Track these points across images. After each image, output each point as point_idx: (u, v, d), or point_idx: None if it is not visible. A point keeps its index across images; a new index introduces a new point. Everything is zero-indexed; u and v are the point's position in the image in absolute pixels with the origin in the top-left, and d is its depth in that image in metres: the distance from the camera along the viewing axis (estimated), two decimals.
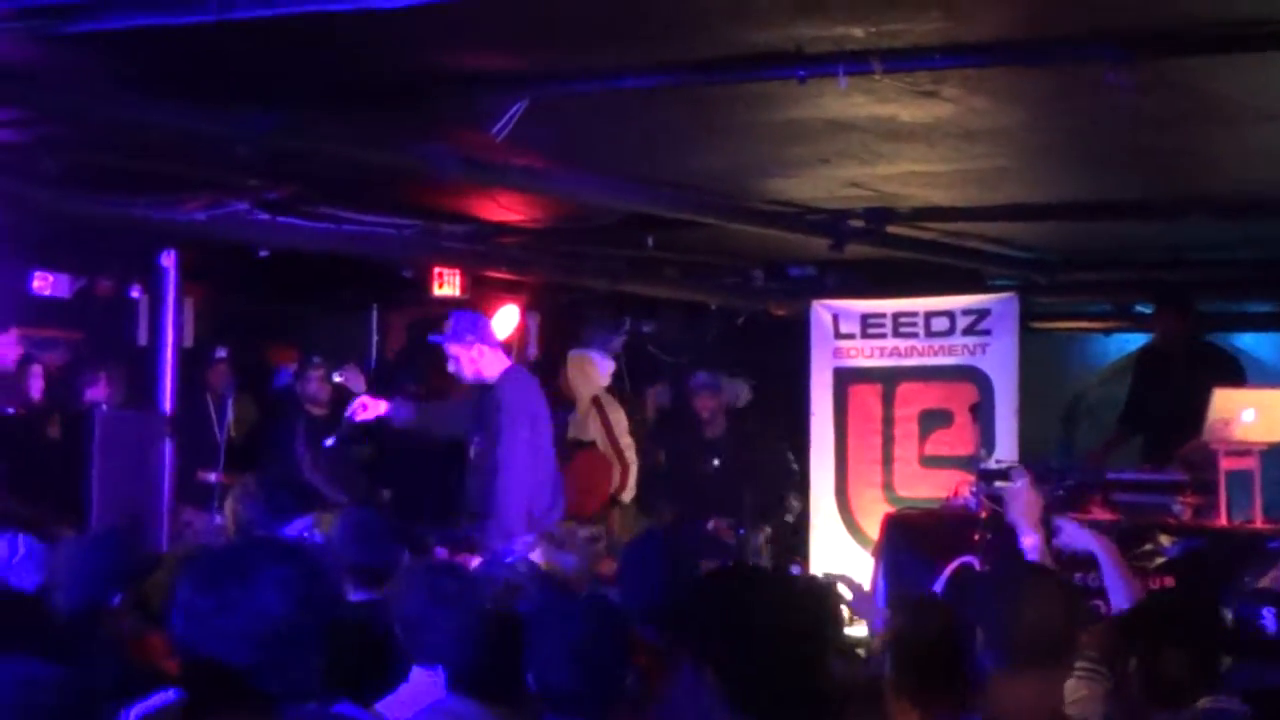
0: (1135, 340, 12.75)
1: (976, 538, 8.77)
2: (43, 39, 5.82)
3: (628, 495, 12.15)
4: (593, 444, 12.13)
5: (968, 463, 9.93)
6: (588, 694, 4.21)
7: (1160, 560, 8.31)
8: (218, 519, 8.78)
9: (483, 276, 11.62)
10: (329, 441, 9.46)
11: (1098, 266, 12.24)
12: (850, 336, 11.86)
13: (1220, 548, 8.31)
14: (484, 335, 8.65)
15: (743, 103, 7.03)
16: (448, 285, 11.36)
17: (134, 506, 8.92)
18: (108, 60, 6.41)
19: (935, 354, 11.60)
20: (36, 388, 9.99)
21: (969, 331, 11.48)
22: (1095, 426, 12.80)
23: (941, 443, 11.33)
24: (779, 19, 5.77)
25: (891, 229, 10.27)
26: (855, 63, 6.09)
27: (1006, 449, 10.68)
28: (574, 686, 4.20)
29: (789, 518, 12.16)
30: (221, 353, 11.49)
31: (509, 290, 12.31)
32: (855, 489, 11.70)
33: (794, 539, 11.89)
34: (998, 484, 8.45)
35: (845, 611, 7.06)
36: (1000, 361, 11.33)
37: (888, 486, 11.55)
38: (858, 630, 7.90)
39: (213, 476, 10.32)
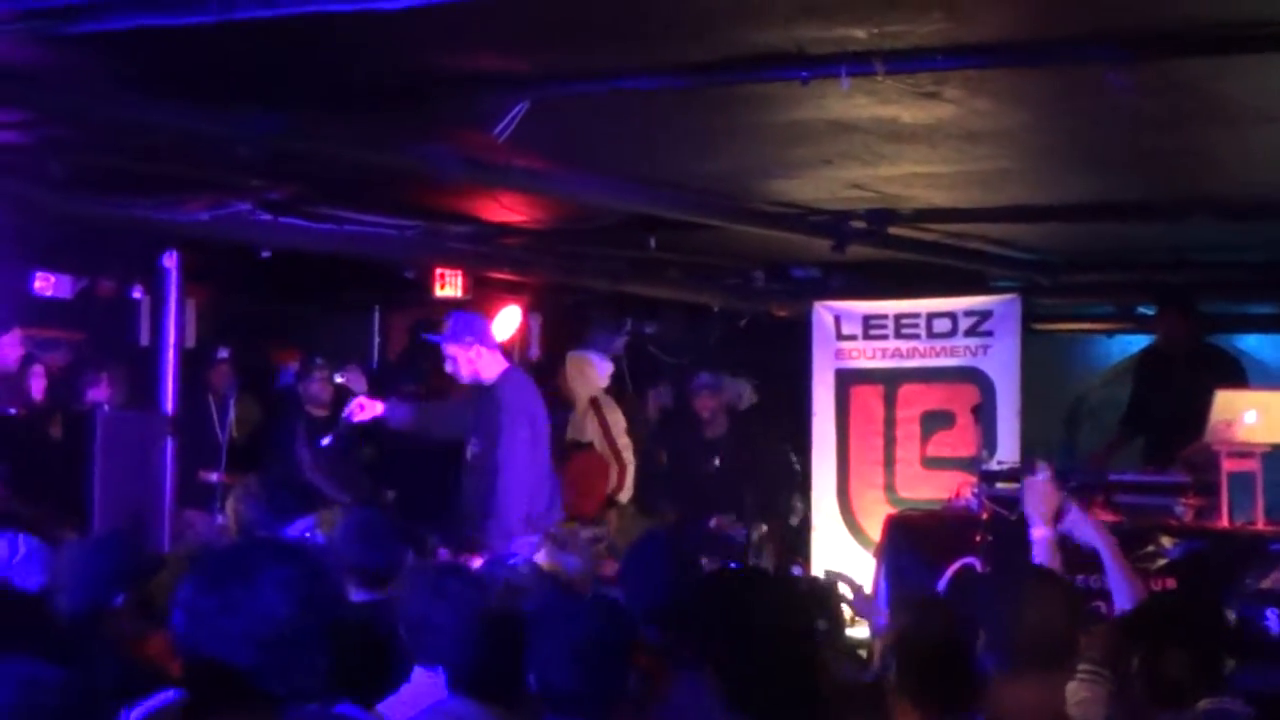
0: (1137, 342, 12.74)
1: (978, 539, 8.76)
2: (44, 40, 5.82)
3: (625, 496, 12.17)
4: (590, 445, 12.16)
5: (970, 464, 9.92)
6: (590, 694, 4.21)
7: (1162, 562, 8.31)
8: (219, 519, 8.78)
9: (485, 277, 11.63)
10: (325, 440, 9.46)
11: (1100, 268, 12.24)
12: (852, 338, 11.86)
13: (1222, 549, 8.31)
14: (482, 336, 8.65)
15: (745, 104, 7.03)
16: (450, 286, 11.37)
17: (136, 507, 8.92)
18: (109, 61, 6.41)
19: (937, 355, 11.60)
20: (38, 388, 9.99)
21: (971, 333, 11.48)
22: (1097, 428, 12.79)
23: (943, 444, 11.32)
24: (781, 20, 5.76)
25: (893, 230, 10.26)
26: (857, 64, 6.09)
27: (1008, 450, 10.67)
28: (576, 687, 4.20)
29: (793, 520, 12.18)
30: (223, 353, 11.50)
31: (511, 291, 12.31)
32: (857, 490, 11.69)
33: (797, 540, 11.89)
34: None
35: (847, 612, 7.07)
36: (1002, 363, 11.33)
37: (889, 488, 11.55)
38: (859, 631, 7.91)
39: (214, 477, 10.32)
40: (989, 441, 10.45)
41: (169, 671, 4.34)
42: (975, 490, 9.12)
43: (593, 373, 12.32)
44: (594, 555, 6.73)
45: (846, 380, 11.86)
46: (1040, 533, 5.94)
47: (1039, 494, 6.01)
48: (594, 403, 12.23)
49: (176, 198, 8.80)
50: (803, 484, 11.99)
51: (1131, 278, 12.32)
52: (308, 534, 6.89)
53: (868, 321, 11.83)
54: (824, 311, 11.97)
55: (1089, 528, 6.02)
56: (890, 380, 11.70)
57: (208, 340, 11.61)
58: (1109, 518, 8.40)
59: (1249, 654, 5.15)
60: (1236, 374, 9.69)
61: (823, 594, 6.91)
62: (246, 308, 12.50)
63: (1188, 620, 4.77)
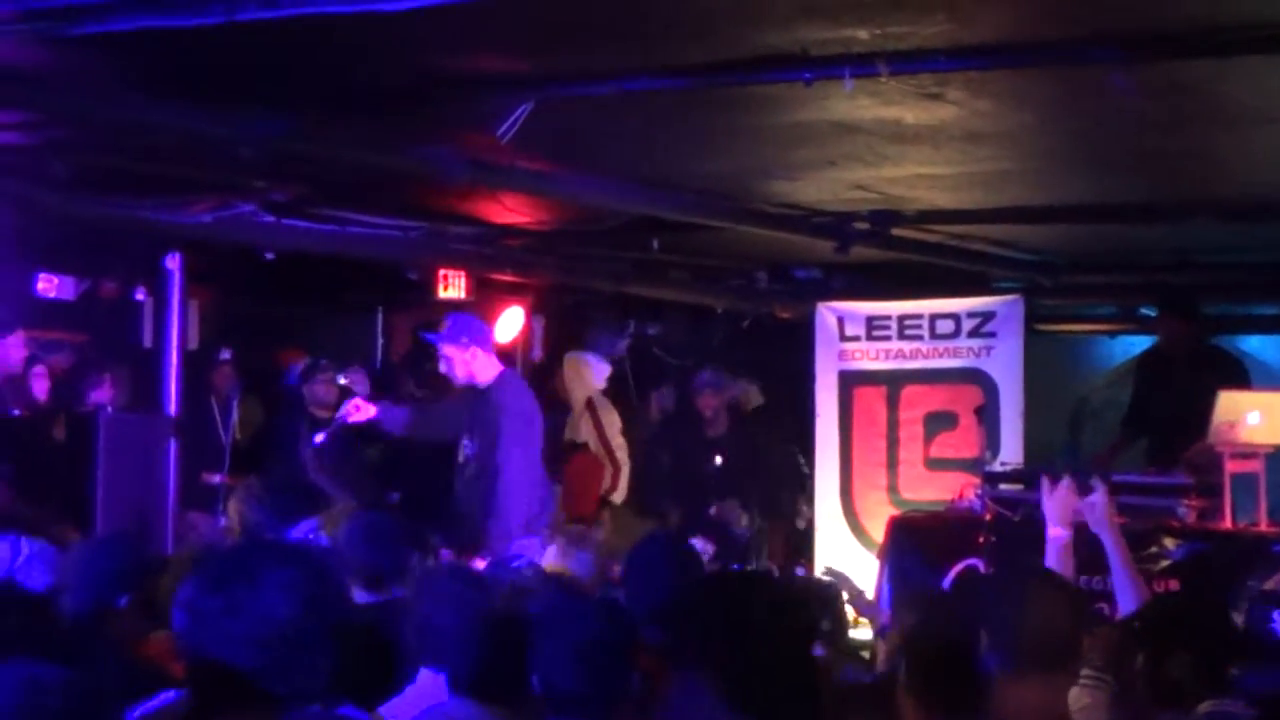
0: (1140, 343, 12.74)
1: (981, 540, 8.77)
2: (49, 41, 5.83)
3: (619, 496, 12.20)
4: (585, 445, 12.18)
5: (973, 465, 9.92)
6: (593, 695, 4.21)
7: (1165, 563, 8.30)
8: (222, 521, 8.78)
9: (488, 279, 11.63)
10: (319, 438, 9.46)
11: (1103, 269, 12.24)
12: (855, 339, 11.86)
13: (1225, 551, 8.30)
14: (479, 338, 8.64)
15: (748, 105, 7.03)
16: (453, 287, 11.38)
17: (139, 508, 8.92)
18: (113, 62, 6.42)
19: (940, 356, 11.59)
20: (42, 389, 9.99)
21: (974, 334, 11.47)
22: (1100, 429, 12.79)
23: (946, 445, 11.32)
24: (784, 21, 5.77)
25: (896, 231, 10.27)
26: (861, 65, 6.09)
27: (1011, 451, 10.67)
28: (579, 688, 4.20)
29: (799, 522, 12.18)
30: (225, 354, 11.50)
31: (514, 292, 12.31)
32: (860, 491, 11.69)
33: (802, 543, 11.90)
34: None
35: (849, 613, 7.08)
36: (1005, 364, 11.33)
37: (892, 489, 11.55)
38: (861, 632, 7.92)
39: (217, 478, 10.32)
40: (992, 442, 10.45)
41: (172, 672, 4.34)
42: (978, 491, 9.12)
43: (589, 374, 12.34)
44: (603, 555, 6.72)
45: (849, 381, 11.85)
46: (1056, 532, 5.95)
47: (1059, 501, 6.05)
48: (589, 403, 12.26)
49: (180, 199, 8.81)
50: (809, 486, 11.99)
51: (1134, 279, 12.32)
52: (312, 535, 6.89)
53: (871, 323, 11.83)
54: (827, 313, 11.96)
55: (1103, 519, 6.01)
56: (893, 381, 11.70)
57: (211, 342, 11.61)
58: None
59: (1256, 656, 5.13)
60: (1239, 375, 9.68)
61: (827, 595, 6.92)
62: (250, 309, 12.50)
63: (1190, 622, 4.77)
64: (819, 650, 5.71)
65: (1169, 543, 8.36)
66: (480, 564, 7.21)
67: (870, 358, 11.82)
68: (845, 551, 11.35)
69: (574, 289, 12.68)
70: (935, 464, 11.32)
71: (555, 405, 12.22)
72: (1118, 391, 12.03)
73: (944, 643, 4.43)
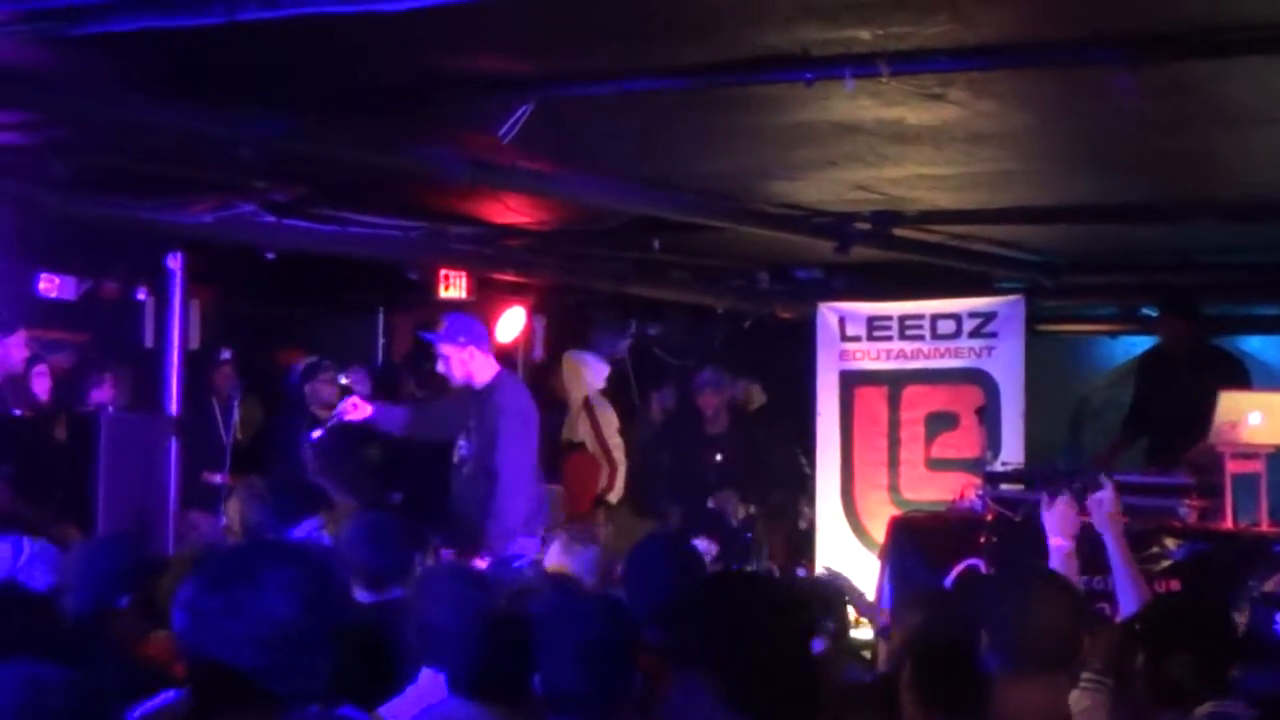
0: (1142, 343, 12.74)
1: (983, 540, 8.77)
2: (49, 41, 5.83)
3: (615, 496, 12.23)
4: (582, 445, 12.22)
5: (974, 465, 9.92)
6: (595, 696, 4.21)
7: (1166, 563, 8.30)
8: (223, 521, 8.78)
9: (489, 279, 11.63)
10: (315, 434, 9.46)
11: (1104, 269, 12.24)
12: (856, 339, 11.85)
13: (1226, 551, 8.29)
14: (477, 338, 8.65)
15: (749, 105, 7.03)
16: (454, 287, 11.37)
17: (140, 508, 8.91)
18: (114, 63, 6.42)
19: (941, 356, 11.59)
20: (43, 389, 9.99)
21: (975, 334, 11.47)
22: (1102, 429, 12.78)
23: (948, 445, 11.31)
24: (785, 21, 5.77)
25: (898, 232, 10.27)
26: (862, 65, 6.09)
27: (1013, 451, 10.66)
28: (581, 688, 4.20)
29: (801, 523, 12.18)
30: (226, 354, 11.49)
31: (515, 292, 12.31)
32: (861, 491, 11.68)
33: (804, 544, 11.89)
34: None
35: (851, 613, 7.07)
36: (1006, 364, 11.32)
37: (893, 489, 11.54)
38: (861, 632, 7.91)
39: (218, 479, 10.32)
40: (993, 443, 10.44)
41: (173, 672, 4.34)
42: (979, 491, 9.11)
43: (587, 373, 12.38)
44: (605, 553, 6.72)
45: (851, 381, 11.85)
46: (1058, 542, 5.97)
47: (1059, 515, 6.08)
48: (587, 403, 12.29)
49: (181, 199, 8.81)
50: (810, 486, 12.00)
51: (1135, 279, 12.32)
52: (313, 535, 6.89)
53: (872, 323, 11.82)
54: (828, 313, 11.96)
55: (1105, 522, 6.03)
56: (894, 381, 11.69)
57: (212, 342, 11.60)
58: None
59: (1258, 657, 5.13)
60: (1239, 375, 9.68)
61: (829, 595, 6.91)
62: (251, 309, 12.49)
63: (1191, 622, 4.77)
64: (821, 643, 5.73)
65: (1170, 543, 8.35)
66: (481, 564, 7.22)
67: (871, 358, 11.81)
68: (846, 551, 11.35)
69: (575, 289, 12.68)
70: (936, 464, 11.32)
71: (554, 405, 12.25)
72: (1119, 392, 12.03)
73: (947, 643, 4.44)
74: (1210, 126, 7.47)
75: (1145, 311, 13.02)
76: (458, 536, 8.27)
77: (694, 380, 12.31)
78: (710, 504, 11.69)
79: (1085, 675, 4.83)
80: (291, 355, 11.98)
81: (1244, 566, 8.07)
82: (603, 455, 12.18)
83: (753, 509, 11.77)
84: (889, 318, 11.77)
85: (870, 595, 8.69)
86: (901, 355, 11.70)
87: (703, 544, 8.41)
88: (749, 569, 10.16)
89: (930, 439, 11.46)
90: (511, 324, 12.29)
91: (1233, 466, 8.42)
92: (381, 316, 13.43)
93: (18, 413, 9.47)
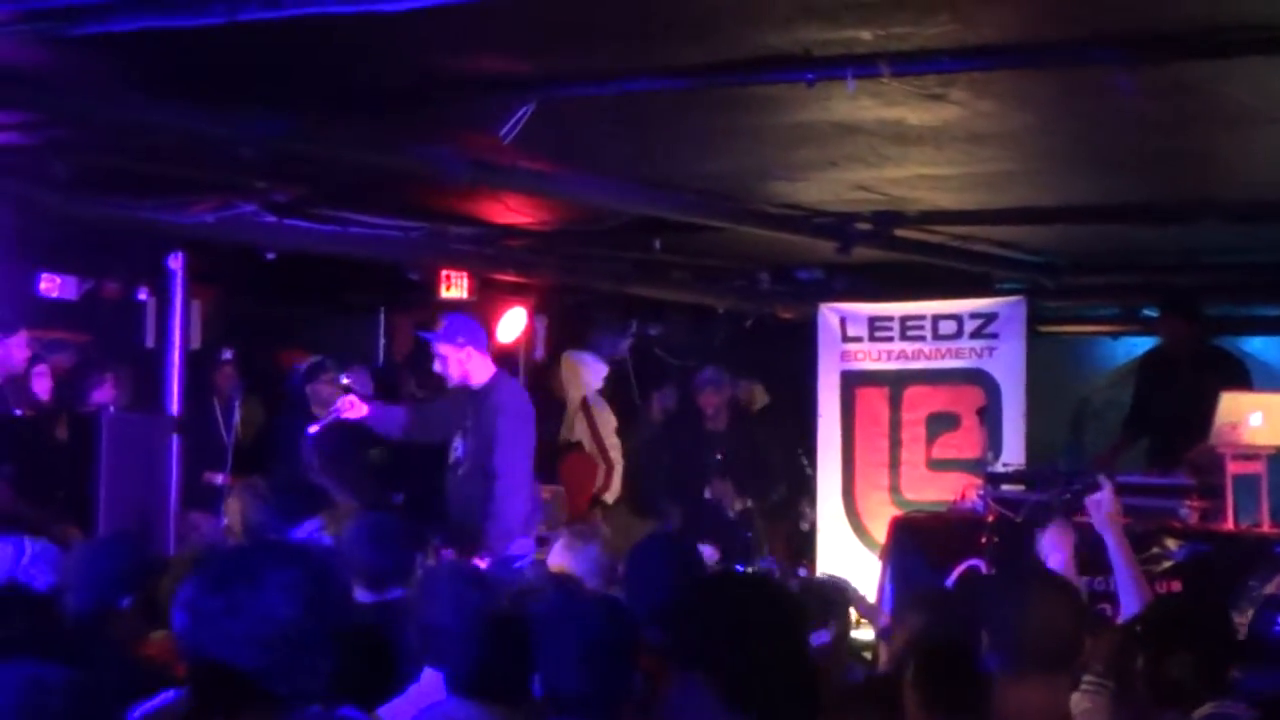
0: (1143, 344, 12.74)
1: (983, 541, 8.77)
2: (50, 41, 5.82)
3: (611, 496, 12.27)
4: (579, 444, 12.26)
5: (975, 466, 9.93)
6: (596, 696, 4.21)
7: (1167, 564, 8.30)
8: (224, 521, 8.78)
9: (490, 279, 11.63)
10: (312, 429, 9.45)
11: (1105, 270, 12.23)
12: (857, 339, 11.86)
13: (1227, 552, 8.30)
14: (475, 339, 8.66)
15: (750, 105, 7.03)
16: (455, 288, 11.37)
17: (141, 509, 8.92)
18: (115, 63, 6.41)
19: (942, 357, 11.59)
20: (44, 389, 9.98)
21: (976, 335, 11.47)
22: (1103, 430, 12.78)
23: (949, 446, 11.32)
24: (786, 22, 5.77)
25: (899, 232, 10.27)
26: (863, 66, 6.09)
27: (1014, 452, 10.67)
28: (582, 688, 4.20)
29: (802, 524, 12.19)
30: (227, 354, 11.48)
31: (516, 293, 12.31)
32: (862, 492, 11.69)
33: (805, 546, 11.90)
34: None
35: (853, 614, 7.06)
36: (1008, 365, 11.33)
37: (895, 489, 11.55)
38: (862, 633, 7.91)
39: (219, 479, 10.32)
40: (994, 443, 10.45)
41: (174, 673, 4.34)
42: (980, 492, 9.12)
43: (585, 373, 12.43)
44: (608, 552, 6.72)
45: (852, 382, 11.86)
46: (1057, 558, 6.01)
47: (1052, 541, 6.12)
48: (585, 403, 12.33)
49: (182, 199, 8.81)
50: (811, 487, 12.00)
51: (1136, 280, 12.32)
52: (315, 535, 6.89)
53: (873, 323, 11.83)
54: (829, 313, 11.96)
55: (1105, 523, 6.03)
56: (896, 382, 11.70)
57: (213, 342, 11.59)
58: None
59: (1260, 659, 5.14)
60: (1240, 376, 9.68)
61: (834, 596, 6.91)
62: (252, 309, 12.48)
63: (1192, 623, 4.77)
64: (827, 634, 5.73)
65: (1171, 544, 8.36)
66: (482, 564, 7.22)
67: (872, 358, 11.82)
68: (847, 552, 11.36)
69: (576, 289, 12.67)
70: (937, 465, 11.33)
71: (554, 405, 12.28)
72: (1120, 392, 12.03)
73: (949, 644, 4.44)
74: (1211, 127, 7.47)
75: (1146, 312, 13.01)
76: (456, 537, 8.27)
77: (695, 379, 12.33)
78: (707, 495, 11.72)
79: (1086, 678, 4.83)
80: (292, 355, 11.98)
81: (1245, 567, 8.07)
82: (599, 455, 12.23)
83: (750, 502, 11.79)
84: (890, 318, 11.77)
85: (871, 596, 8.70)
86: (903, 356, 11.71)
87: (706, 550, 8.42)
88: (750, 569, 10.16)
89: (931, 439, 11.47)
90: (513, 324, 12.29)
91: (1234, 467, 8.42)
92: (382, 317, 13.41)
93: (19, 413, 9.47)
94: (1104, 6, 5.66)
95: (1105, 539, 6.01)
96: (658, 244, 10.86)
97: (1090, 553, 6.34)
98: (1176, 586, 8.13)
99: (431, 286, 11.41)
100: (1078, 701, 4.73)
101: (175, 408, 9.48)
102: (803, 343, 12.14)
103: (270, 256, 9.91)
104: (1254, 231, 10.07)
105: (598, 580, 6.43)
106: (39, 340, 10.18)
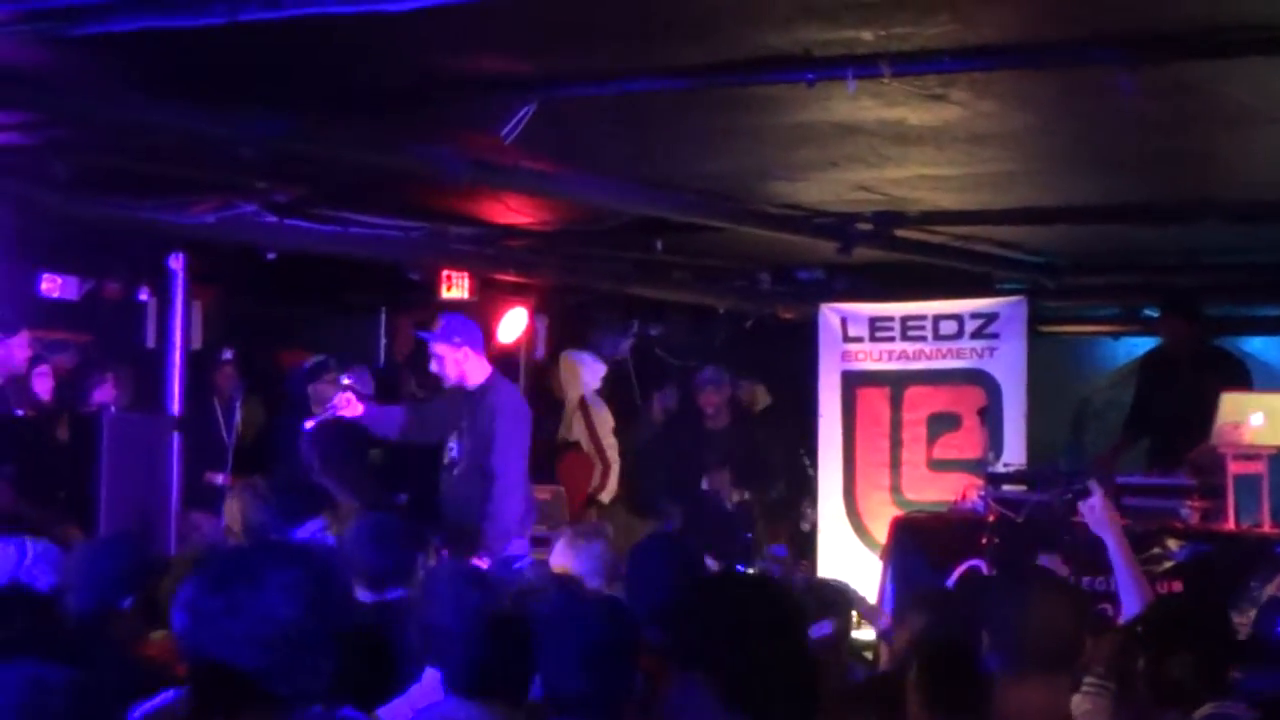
0: (1144, 344, 12.74)
1: (984, 541, 8.77)
2: (50, 42, 5.82)
3: (607, 495, 12.30)
4: (577, 444, 12.29)
5: (976, 466, 9.92)
6: (598, 697, 4.21)
7: (1168, 565, 8.30)
8: (224, 521, 8.78)
9: (491, 279, 11.63)
10: (308, 425, 9.46)
11: (1106, 270, 12.23)
12: (858, 340, 11.86)
13: (1228, 552, 8.30)
14: (472, 340, 8.67)
15: (751, 106, 7.03)
16: (456, 288, 11.37)
17: (142, 509, 8.92)
18: (115, 63, 6.41)
19: (943, 357, 11.59)
20: (46, 389, 9.99)
21: (977, 335, 11.47)
22: (1104, 430, 12.78)
23: (950, 446, 11.32)
24: (786, 22, 5.76)
25: (900, 232, 10.26)
26: (864, 66, 6.09)
27: (1015, 452, 10.67)
28: (584, 689, 4.20)
29: (803, 525, 12.19)
30: (228, 355, 11.48)
31: (517, 293, 12.31)
32: (863, 492, 11.69)
33: (807, 546, 11.90)
34: None
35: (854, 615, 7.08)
36: (1008, 365, 11.32)
37: (895, 490, 11.54)
38: (862, 633, 7.92)
39: (220, 479, 10.32)
40: (995, 444, 10.45)
41: (175, 673, 4.34)
42: (981, 492, 9.12)
43: (583, 372, 12.47)
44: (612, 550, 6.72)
45: (852, 382, 11.85)
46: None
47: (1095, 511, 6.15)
48: (583, 402, 12.36)
49: (182, 200, 8.81)
50: (812, 487, 12.01)
51: (1137, 280, 12.31)
52: (318, 535, 6.89)
53: (874, 324, 11.82)
54: (830, 314, 11.96)
55: (1103, 525, 6.03)
56: (896, 382, 11.70)
57: (214, 342, 11.60)
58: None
59: (1263, 660, 5.14)
60: (1241, 377, 9.68)
61: (837, 596, 6.92)
62: (253, 309, 12.49)
63: (1192, 623, 4.77)
64: (829, 626, 5.74)
65: (1172, 544, 8.36)
66: (482, 564, 7.22)
67: (873, 359, 11.82)
68: (848, 552, 11.36)
69: (577, 289, 12.68)
70: (938, 465, 11.32)
71: (553, 405, 12.30)
72: (1120, 393, 12.03)
73: (953, 644, 4.44)
74: (1211, 127, 7.47)
75: (1147, 312, 13.01)
76: (452, 537, 8.27)
77: (695, 379, 12.34)
78: (705, 485, 11.75)
79: (1088, 679, 4.84)
80: (293, 356, 11.98)
81: (1246, 568, 8.07)
82: (596, 455, 12.27)
83: (747, 494, 11.81)
84: (891, 318, 11.77)
85: (872, 596, 8.70)
86: (903, 356, 11.71)
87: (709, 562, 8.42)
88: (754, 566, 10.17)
89: (932, 440, 11.46)
90: (514, 324, 12.30)
91: (1235, 468, 8.42)
92: (383, 317, 13.42)
93: (20, 413, 9.47)
94: (1104, 6, 5.66)
95: (1104, 541, 6.01)
96: (659, 244, 10.85)
97: (1090, 553, 6.33)
98: (1178, 587, 8.13)
99: (432, 287, 11.41)
100: (1079, 702, 4.73)
101: (176, 408, 9.48)
102: (803, 343, 12.14)
103: (271, 257, 9.91)
104: (1254, 232, 10.07)
105: (600, 579, 6.43)
106: (40, 340, 10.19)
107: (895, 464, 11.60)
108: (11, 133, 7.59)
